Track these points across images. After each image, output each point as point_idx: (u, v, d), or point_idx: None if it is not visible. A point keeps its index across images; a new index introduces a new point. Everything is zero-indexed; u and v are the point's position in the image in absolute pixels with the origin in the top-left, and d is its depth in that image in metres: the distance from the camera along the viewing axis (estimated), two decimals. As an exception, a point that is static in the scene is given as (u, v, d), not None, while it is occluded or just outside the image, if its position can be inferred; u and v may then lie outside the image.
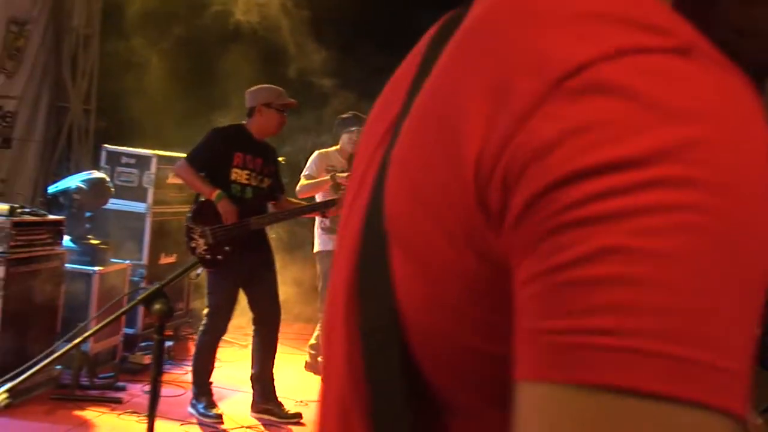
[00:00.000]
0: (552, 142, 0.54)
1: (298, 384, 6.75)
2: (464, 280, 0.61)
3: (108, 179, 6.71)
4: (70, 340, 5.63)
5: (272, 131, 5.74)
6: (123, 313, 3.16)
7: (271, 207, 5.86)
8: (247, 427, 5.57)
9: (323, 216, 6.36)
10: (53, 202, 6.44)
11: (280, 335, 5.85)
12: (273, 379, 5.81)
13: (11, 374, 2.90)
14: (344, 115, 7.04)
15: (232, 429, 5.50)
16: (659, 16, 0.58)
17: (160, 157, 7.25)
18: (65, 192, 6.39)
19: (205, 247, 5.45)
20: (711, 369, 0.49)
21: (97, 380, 6.00)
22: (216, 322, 5.55)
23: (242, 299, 5.78)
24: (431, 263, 0.63)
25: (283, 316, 5.87)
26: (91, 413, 5.49)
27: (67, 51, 8.73)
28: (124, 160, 7.23)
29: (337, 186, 6.66)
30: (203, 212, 5.52)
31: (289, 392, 6.15)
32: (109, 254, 6.51)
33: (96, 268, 6.22)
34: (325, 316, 0.86)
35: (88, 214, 6.48)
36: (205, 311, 5.68)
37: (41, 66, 8.53)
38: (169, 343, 7.04)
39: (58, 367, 5.68)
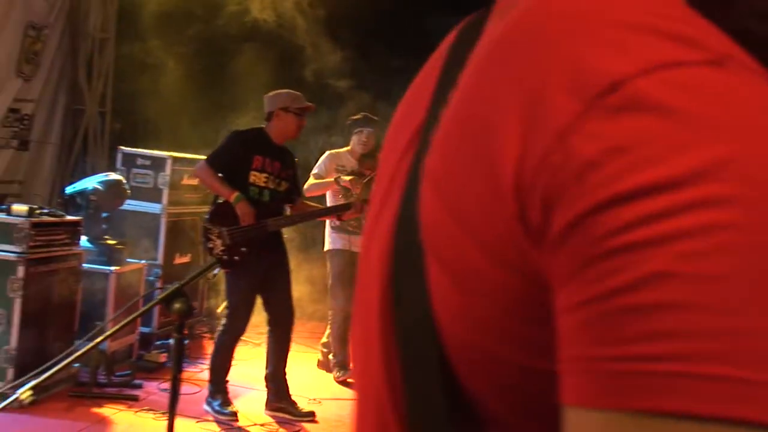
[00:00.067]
0: (592, 162, 0.52)
1: (311, 382, 6.77)
2: (500, 294, 0.59)
3: (124, 181, 6.74)
4: (88, 339, 5.69)
5: (291, 135, 5.76)
6: (145, 311, 3.18)
7: (287, 210, 5.87)
8: (261, 425, 5.58)
9: (339, 219, 6.37)
10: (70, 203, 6.47)
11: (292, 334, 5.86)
12: (286, 379, 5.83)
13: (34, 372, 2.91)
14: (355, 117, 7.06)
15: (247, 426, 5.51)
16: (692, 27, 0.57)
17: (174, 158, 7.27)
18: (82, 193, 6.42)
19: (222, 248, 5.47)
20: None
21: (115, 378, 6.02)
22: (234, 323, 5.58)
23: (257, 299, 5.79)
24: (468, 277, 0.61)
25: (295, 315, 5.88)
26: (108, 410, 5.52)
27: (83, 55, 8.77)
28: (140, 161, 7.25)
29: (345, 188, 6.69)
30: (221, 213, 5.54)
31: (302, 390, 6.17)
32: (125, 254, 6.54)
33: (112, 268, 6.25)
34: (356, 325, 0.84)
35: (104, 214, 6.51)
36: (220, 310, 5.69)
37: (58, 70, 8.57)
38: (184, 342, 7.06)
39: (77, 365, 5.70)
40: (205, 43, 8.77)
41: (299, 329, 5.91)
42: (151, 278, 6.96)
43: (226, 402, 5.60)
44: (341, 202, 6.70)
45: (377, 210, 0.80)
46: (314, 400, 6.22)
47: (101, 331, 3.32)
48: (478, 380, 0.63)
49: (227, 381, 5.67)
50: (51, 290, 5.63)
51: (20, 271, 5.32)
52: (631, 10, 0.58)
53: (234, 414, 5.55)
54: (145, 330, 6.80)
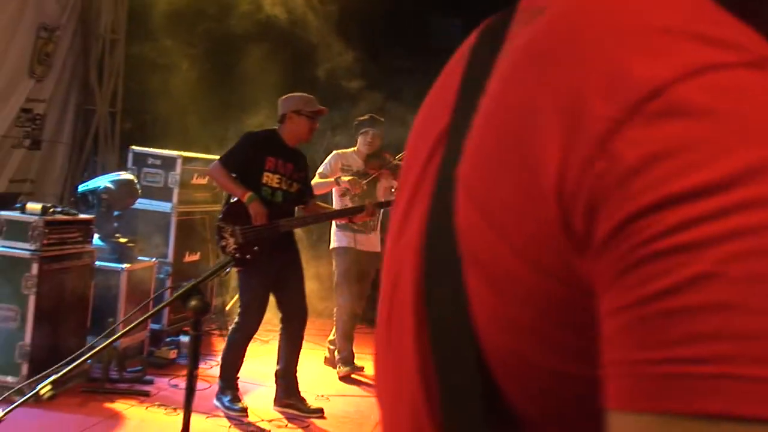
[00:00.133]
0: (635, 168, 0.52)
1: (318, 378, 6.79)
2: (537, 299, 0.59)
3: (136, 180, 6.75)
4: (106, 335, 5.71)
5: (303, 138, 5.78)
6: (162, 308, 3.19)
7: (299, 211, 5.89)
8: (270, 421, 5.59)
9: (351, 222, 6.40)
10: (82, 201, 6.49)
11: (299, 331, 5.88)
12: (296, 376, 5.85)
13: (54, 368, 2.93)
14: (362, 118, 7.07)
15: (256, 422, 5.52)
16: (727, 29, 0.57)
17: (185, 158, 7.29)
18: (94, 191, 6.43)
19: (234, 246, 5.50)
20: None
21: (126, 374, 6.03)
22: (247, 321, 5.60)
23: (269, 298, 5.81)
24: (505, 283, 0.61)
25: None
26: (120, 405, 5.54)
27: (94, 55, 8.81)
28: (151, 161, 7.27)
29: (347, 191, 6.72)
30: (234, 212, 5.56)
31: (310, 387, 6.18)
32: (136, 252, 6.56)
33: (124, 265, 6.26)
34: (382, 328, 0.83)
35: (116, 213, 6.53)
36: (228, 308, 5.71)
37: (69, 70, 8.60)
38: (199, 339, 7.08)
39: (89, 362, 5.72)
40: (215, 43, 8.78)
41: (306, 326, 5.92)
42: (162, 276, 6.98)
43: (236, 398, 5.62)
44: (346, 200, 6.73)
45: (404, 212, 0.80)
46: (322, 396, 6.24)
47: (123, 325, 3.32)
48: (514, 383, 0.63)
49: (238, 377, 5.69)
50: (64, 287, 5.65)
51: (34, 268, 5.34)
52: (665, 15, 0.58)
53: (244, 410, 5.57)
54: (156, 327, 6.81)
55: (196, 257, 7.54)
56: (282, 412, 5.76)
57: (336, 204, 6.84)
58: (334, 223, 6.90)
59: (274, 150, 5.64)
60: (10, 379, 5.29)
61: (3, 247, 5.40)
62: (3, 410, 2.82)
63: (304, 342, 5.89)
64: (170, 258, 7.14)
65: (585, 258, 0.55)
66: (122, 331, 3.23)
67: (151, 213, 7.14)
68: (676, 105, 0.52)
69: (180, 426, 5.19)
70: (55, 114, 8.46)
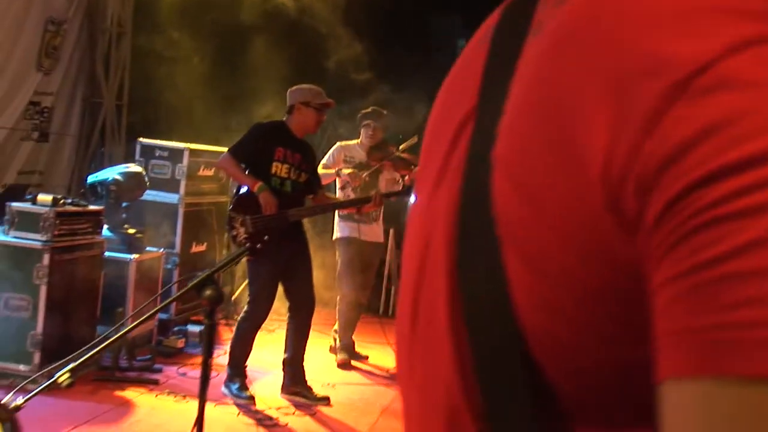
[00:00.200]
0: (686, 143, 0.52)
1: (324, 367, 6.83)
2: (586, 287, 0.58)
3: (144, 172, 6.76)
4: (115, 324, 5.73)
5: (310, 129, 5.80)
6: (178, 296, 3.21)
7: (308, 200, 5.91)
8: (277, 408, 5.61)
9: (359, 212, 6.42)
10: (91, 191, 6.50)
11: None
12: (303, 364, 5.87)
13: (72, 356, 2.95)
14: (365, 110, 7.08)
15: (264, 410, 5.55)
16: (761, 1, 0.56)
17: (192, 150, 7.29)
18: (102, 182, 6.44)
19: (245, 236, 5.52)
20: None
21: (136, 362, 6.06)
22: (256, 310, 5.62)
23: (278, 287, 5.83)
24: (551, 271, 0.60)
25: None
26: (131, 393, 5.56)
27: (100, 49, 8.81)
28: (158, 153, 7.27)
29: (348, 183, 6.75)
30: (244, 202, 5.59)
31: (316, 375, 6.21)
32: (145, 242, 6.58)
33: (133, 256, 6.28)
34: (408, 316, 0.80)
35: (124, 204, 6.54)
36: (234, 297, 5.72)
37: (76, 63, 8.61)
38: (200, 328, 7.10)
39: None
40: (222, 35, 8.78)
41: (320, 317, 5.96)
42: (169, 266, 7.00)
43: (244, 386, 5.64)
44: (348, 191, 6.76)
45: (429, 192, 0.78)
46: (328, 384, 6.27)
47: (138, 314, 3.33)
48: (552, 364, 0.62)
49: (246, 366, 5.71)
50: (75, 277, 5.67)
51: (45, 258, 5.36)
52: None
53: (252, 398, 5.58)
54: (164, 316, 6.83)
55: (203, 248, 7.56)
56: (289, 400, 5.78)
57: (338, 195, 6.86)
58: (337, 213, 6.92)
59: (283, 140, 5.66)
60: (22, 367, 5.31)
61: (15, 238, 5.42)
62: (18, 397, 2.83)
63: (310, 331, 5.92)
64: (178, 248, 7.16)
65: (633, 239, 0.55)
66: (143, 318, 3.24)
67: (158, 204, 7.14)
68: (723, 80, 0.52)
69: (189, 413, 5.24)
70: (63, 107, 8.47)
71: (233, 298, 7.92)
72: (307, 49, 8.54)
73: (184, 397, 5.58)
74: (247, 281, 6.11)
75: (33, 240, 5.38)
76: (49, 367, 5.19)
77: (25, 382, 3.51)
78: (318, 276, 6.15)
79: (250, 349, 5.74)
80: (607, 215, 0.56)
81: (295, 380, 5.83)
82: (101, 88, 8.79)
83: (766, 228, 0.49)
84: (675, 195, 0.52)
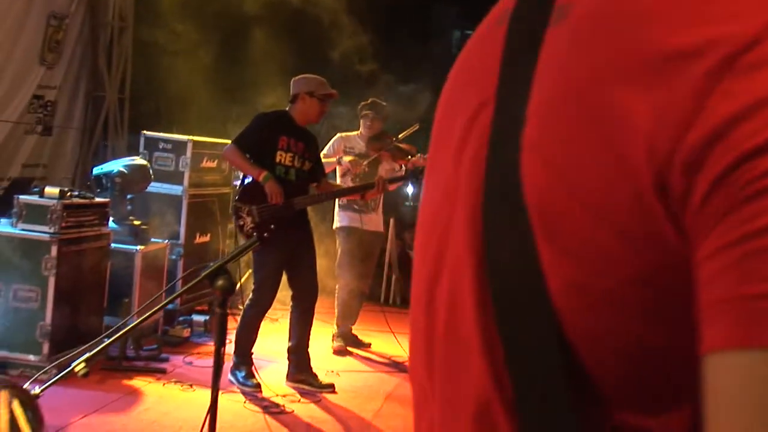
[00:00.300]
0: (735, 117, 0.52)
1: (328, 355, 6.84)
2: (626, 269, 0.57)
3: (148, 165, 6.75)
4: (118, 314, 5.74)
5: (313, 119, 5.79)
6: (189, 286, 3.21)
7: (313, 189, 5.91)
8: (283, 396, 5.62)
9: (362, 198, 6.42)
10: (96, 183, 6.50)
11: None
12: (308, 352, 5.88)
13: (87, 345, 2.96)
14: (365, 102, 7.08)
15: (270, 397, 5.55)
16: None
17: (195, 142, 7.28)
18: (108, 175, 6.44)
19: (252, 225, 5.53)
20: None
21: (143, 352, 6.06)
22: (261, 297, 5.62)
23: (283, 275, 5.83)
24: (587, 253, 0.59)
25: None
26: (138, 382, 5.56)
27: (102, 43, 8.78)
28: (162, 145, 7.25)
29: (349, 171, 6.75)
30: (250, 192, 5.59)
31: (320, 362, 6.22)
32: (150, 234, 6.58)
33: (138, 247, 6.27)
34: (423, 307, 0.78)
35: (129, 196, 6.53)
36: (237, 287, 5.72)
37: (79, 58, 8.58)
38: (205, 318, 7.11)
39: (106, 339, 5.73)
40: (223, 27, 8.76)
41: (320, 306, 5.97)
42: (174, 256, 6.99)
43: (251, 374, 5.64)
44: (347, 180, 6.77)
45: (445, 177, 0.76)
46: (332, 371, 6.28)
47: (150, 306, 3.34)
48: (592, 353, 0.60)
49: (252, 353, 5.72)
50: (82, 268, 5.66)
51: (53, 250, 5.35)
52: None
53: (258, 385, 5.59)
54: (169, 307, 6.82)
55: (206, 238, 7.55)
56: (294, 387, 5.79)
57: (339, 183, 6.87)
58: (337, 202, 6.93)
59: (286, 129, 5.65)
60: (31, 357, 5.31)
61: (23, 230, 5.41)
62: (35, 387, 2.84)
63: (314, 320, 5.93)
64: (182, 239, 7.15)
65: (680, 218, 0.55)
66: (159, 306, 3.26)
67: (162, 196, 7.13)
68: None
69: (196, 401, 5.26)
70: (66, 100, 8.45)
71: (238, 286, 7.90)
72: (310, 40, 8.53)
73: (191, 385, 5.58)
74: (251, 270, 6.12)
75: (41, 232, 5.37)
76: (59, 358, 5.21)
77: (39, 372, 3.51)
78: (321, 264, 6.16)
79: (256, 337, 5.75)
80: (652, 196, 0.56)
81: (300, 368, 5.84)
82: (104, 81, 8.77)
83: None
84: (725, 168, 0.52)
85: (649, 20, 0.58)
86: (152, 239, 6.59)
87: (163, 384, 5.58)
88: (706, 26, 0.55)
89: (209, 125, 8.23)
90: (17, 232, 5.41)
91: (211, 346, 6.61)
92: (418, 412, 0.82)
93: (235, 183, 7.68)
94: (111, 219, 6.13)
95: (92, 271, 5.78)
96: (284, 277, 5.79)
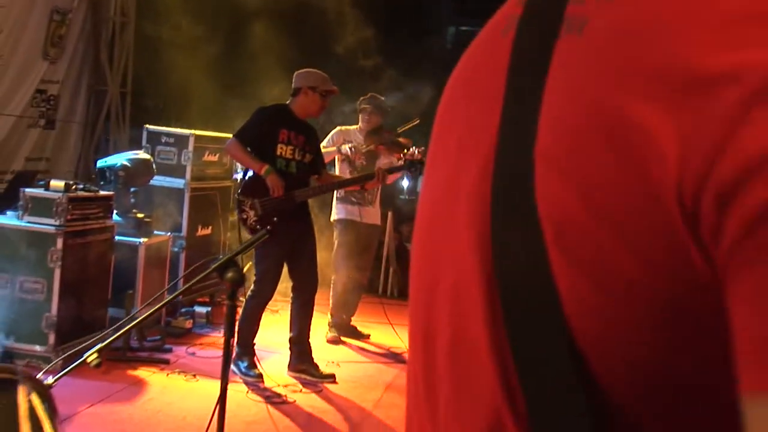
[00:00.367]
0: None
1: (328, 345, 6.87)
2: (650, 296, 0.55)
3: (151, 159, 6.76)
4: (122, 306, 5.75)
5: (313, 114, 5.80)
6: (201, 278, 3.23)
7: (313, 181, 5.92)
8: (285, 386, 5.64)
9: (363, 189, 6.45)
10: (100, 175, 6.50)
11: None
12: (309, 342, 5.90)
13: (99, 336, 2.98)
14: (363, 96, 7.10)
15: (272, 387, 5.57)
16: None
17: (197, 136, 7.29)
18: (111, 168, 6.44)
19: (255, 218, 5.55)
20: None
21: (146, 343, 6.07)
22: (263, 288, 5.63)
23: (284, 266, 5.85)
24: (611, 279, 0.56)
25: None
26: (143, 373, 5.58)
27: (104, 38, 8.79)
28: (164, 139, 7.26)
29: (347, 156, 6.77)
30: (252, 186, 5.61)
31: (320, 353, 6.25)
32: (152, 226, 6.59)
33: (142, 240, 6.28)
34: (419, 308, 0.76)
35: (132, 189, 6.54)
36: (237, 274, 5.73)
37: (81, 52, 8.59)
38: (206, 309, 7.13)
39: (115, 331, 5.75)
40: (224, 21, 8.76)
41: (317, 296, 5.99)
42: (176, 249, 7.00)
43: (252, 364, 5.66)
44: (346, 167, 6.79)
45: (446, 181, 0.74)
46: (332, 362, 6.30)
47: (160, 298, 3.35)
48: (614, 378, 0.57)
49: (254, 344, 5.73)
50: (87, 261, 5.67)
51: (59, 242, 5.35)
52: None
53: (260, 376, 5.61)
54: (167, 298, 6.84)
55: (208, 231, 7.57)
56: (296, 378, 5.82)
57: (338, 171, 6.90)
58: (335, 194, 6.95)
59: (286, 123, 5.66)
60: (38, 348, 5.32)
61: (29, 222, 5.42)
62: (48, 377, 2.86)
63: (315, 312, 5.95)
64: (184, 232, 7.16)
65: (710, 248, 0.52)
66: (169, 298, 3.28)
67: (165, 189, 7.14)
68: None
69: (200, 391, 5.29)
70: (68, 95, 8.46)
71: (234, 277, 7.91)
72: (311, 34, 8.53)
73: (194, 375, 5.60)
74: (252, 262, 6.13)
75: (47, 225, 5.38)
76: (65, 348, 5.24)
77: (52, 363, 3.53)
78: (321, 256, 6.17)
79: (257, 328, 5.77)
80: (680, 223, 0.53)
81: (301, 358, 5.87)
82: (106, 76, 8.78)
83: None
84: (761, 206, 0.49)
85: (678, 39, 0.55)
86: (155, 232, 6.60)
87: (167, 374, 5.60)
88: (741, 50, 0.52)
89: (211, 119, 8.23)
90: (23, 224, 5.42)
91: (213, 337, 6.65)
92: (410, 414, 0.80)
93: (235, 176, 7.70)
94: (115, 212, 6.15)
95: (97, 263, 5.79)
96: (285, 269, 5.80)
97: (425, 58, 9.48)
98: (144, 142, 7.27)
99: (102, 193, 5.93)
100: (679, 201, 0.52)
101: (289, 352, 5.93)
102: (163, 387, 5.36)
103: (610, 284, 0.56)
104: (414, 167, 6.32)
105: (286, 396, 5.45)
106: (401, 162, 6.55)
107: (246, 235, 5.60)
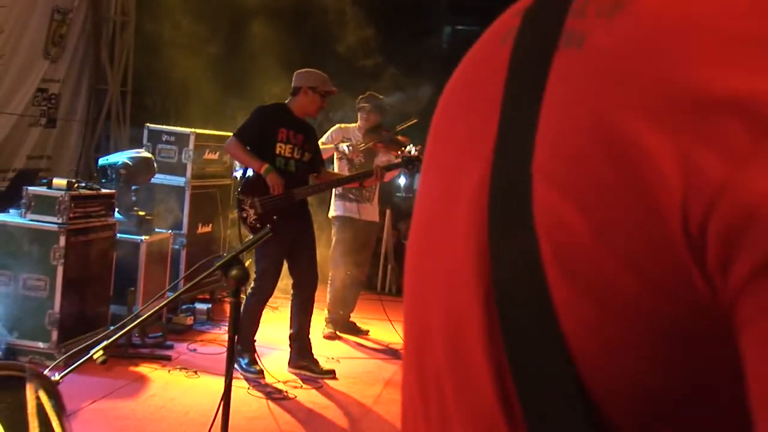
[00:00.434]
0: None
1: (327, 342, 6.86)
2: (649, 314, 0.53)
3: (152, 157, 6.74)
4: (124, 303, 5.73)
5: (311, 113, 5.80)
6: (206, 275, 3.22)
7: (312, 179, 5.91)
8: (285, 382, 5.63)
9: (362, 186, 6.44)
10: (102, 173, 6.49)
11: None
12: (309, 339, 5.89)
13: (104, 333, 2.96)
14: (362, 95, 7.09)
15: (273, 383, 5.56)
16: None
17: (197, 134, 7.27)
18: (113, 166, 6.42)
19: (255, 217, 5.53)
20: None
21: (148, 339, 6.05)
22: (263, 286, 5.62)
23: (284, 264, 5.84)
24: (609, 296, 0.54)
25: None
26: (145, 369, 5.56)
27: (105, 37, 8.76)
28: (165, 137, 7.24)
29: (344, 154, 6.76)
30: (251, 185, 5.59)
31: (320, 349, 6.24)
32: (154, 224, 6.57)
33: (143, 237, 6.27)
34: (414, 319, 0.74)
35: (134, 187, 6.52)
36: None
37: (82, 52, 8.57)
38: (207, 306, 7.11)
39: (111, 327, 5.74)
40: (224, 20, 8.74)
41: (316, 293, 5.98)
42: (177, 246, 6.99)
43: (254, 360, 5.64)
44: (344, 164, 6.78)
45: (440, 193, 0.72)
46: (332, 358, 6.29)
47: (165, 295, 3.34)
48: (612, 401, 0.56)
49: (254, 340, 5.72)
50: (89, 258, 5.66)
51: (62, 240, 5.34)
52: None
53: (261, 372, 5.60)
54: (172, 295, 6.82)
55: (208, 228, 7.55)
56: (296, 374, 5.80)
57: (336, 167, 6.89)
58: (334, 191, 6.94)
59: (285, 122, 5.65)
60: (41, 344, 5.31)
61: (32, 220, 5.40)
62: (55, 374, 2.84)
63: (314, 308, 5.94)
64: (185, 229, 7.15)
65: (717, 285, 0.50)
66: (176, 293, 3.27)
67: (166, 187, 7.12)
68: None
69: (201, 387, 5.28)
70: (69, 93, 8.43)
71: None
72: (310, 32, 8.51)
73: (196, 372, 5.60)
74: (251, 259, 6.12)
75: (49, 222, 5.37)
76: (67, 345, 5.22)
77: (58, 360, 3.50)
78: (320, 254, 6.17)
79: (258, 324, 5.76)
80: (690, 262, 0.51)
81: (301, 354, 5.86)
82: (106, 75, 8.75)
83: None
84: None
85: (680, 58, 0.53)
86: (156, 229, 6.58)
87: (169, 371, 5.59)
88: (748, 76, 0.50)
89: (211, 118, 8.21)
90: (26, 222, 5.40)
91: (213, 334, 6.64)
92: (406, 418, 0.77)
93: (234, 174, 7.69)
94: (116, 210, 6.13)
95: (99, 261, 5.78)
96: (285, 266, 5.79)
97: (422, 58, 9.48)
98: (145, 141, 7.24)
99: (104, 191, 5.91)
100: (683, 226, 0.50)
101: (289, 349, 5.92)
102: (165, 383, 5.35)
103: (608, 301, 0.54)
104: (411, 164, 6.31)
105: (286, 392, 5.45)
106: (399, 160, 6.54)
107: (246, 233, 5.60)
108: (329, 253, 7.04)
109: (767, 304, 0.47)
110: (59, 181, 5.53)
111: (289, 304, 5.98)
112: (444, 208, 0.70)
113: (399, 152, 6.63)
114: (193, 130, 7.26)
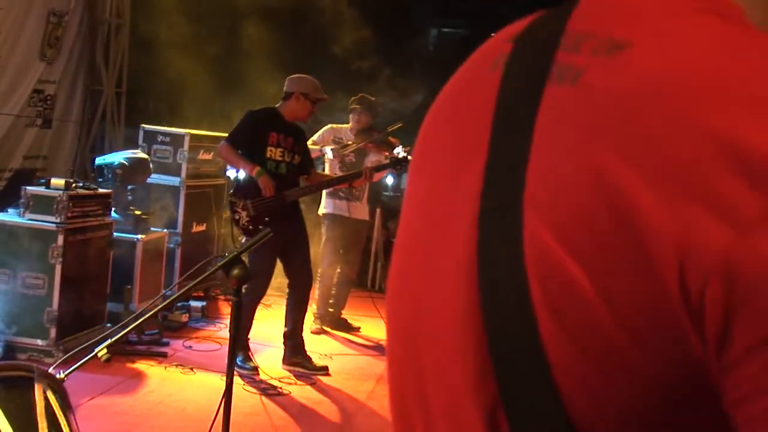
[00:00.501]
0: None
1: (321, 339, 6.86)
2: (644, 379, 0.52)
3: (148, 158, 6.72)
4: (121, 301, 5.71)
5: (301, 118, 5.81)
6: (210, 274, 3.21)
7: (303, 181, 5.91)
8: (279, 379, 5.62)
9: (351, 187, 6.45)
10: (98, 173, 6.46)
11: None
12: (302, 336, 5.89)
13: (107, 332, 2.95)
14: (354, 97, 7.09)
15: (267, 380, 5.56)
16: None
17: (192, 135, 7.26)
18: (109, 166, 6.40)
19: (247, 219, 5.53)
20: None
21: (144, 337, 6.03)
22: (256, 285, 5.61)
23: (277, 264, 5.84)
24: (604, 355, 0.53)
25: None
26: (141, 366, 5.55)
27: (100, 39, 8.72)
28: (160, 138, 7.23)
29: (341, 157, 6.76)
30: (243, 188, 5.61)
31: (314, 347, 6.24)
32: (149, 223, 6.55)
33: (139, 236, 6.25)
34: (402, 338, 0.73)
35: (130, 187, 6.50)
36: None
37: (77, 53, 8.51)
38: (202, 304, 7.10)
39: (108, 324, 5.73)
40: (218, 22, 8.72)
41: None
42: (172, 245, 6.97)
43: (248, 357, 5.65)
44: (336, 168, 6.78)
45: (442, 186, 0.69)
46: (325, 355, 6.29)
47: (165, 296, 3.33)
48: (596, 425, 0.54)
49: (248, 338, 5.72)
50: (87, 257, 5.64)
51: (60, 239, 5.32)
52: None
53: (255, 368, 5.60)
54: (168, 293, 6.81)
55: (203, 227, 7.54)
56: (290, 370, 5.80)
57: (327, 168, 6.89)
58: (324, 190, 6.94)
59: (276, 126, 5.65)
60: (39, 341, 5.30)
61: (30, 220, 5.38)
62: (60, 371, 2.83)
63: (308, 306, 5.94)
64: (180, 229, 7.14)
65: (716, 358, 0.49)
66: (180, 291, 3.27)
67: (161, 187, 7.11)
68: None
69: (197, 383, 5.27)
70: (65, 94, 8.38)
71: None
72: (305, 34, 8.50)
73: (192, 368, 5.58)
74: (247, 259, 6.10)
75: (48, 222, 5.35)
76: (66, 342, 5.20)
77: (63, 357, 3.49)
78: (312, 251, 6.16)
79: (252, 322, 5.75)
80: (688, 329, 0.50)
81: (295, 351, 5.86)
82: (101, 76, 8.70)
83: None
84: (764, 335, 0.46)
85: (679, 118, 0.52)
86: (152, 228, 6.57)
87: (165, 367, 5.57)
88: (747, 137, 0.48)
89: (205, 118, 8.19)
90: (25, 221, 5.39)
91: (208, 331, 6.63)
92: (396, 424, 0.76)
93: (227, 174, 7.68)
94: (113, 209, 6.11)
95: (96, 259, 5.76)
96: (279, 264, 5.79)
97: (409, 60, 9.48)
98: (140, 141, 7.23)
99: (101, 191, 5.90)
100: (682, 292, 0.49)
101: (283, 346, 5.91)
102: (162, 379, 5.34)
103: (605, 362, 0.53)
104: (399, 165, 6.32)
105: (281, 388, 5.44)
106: (387, 161, 6.54)
107: (239, 234, 5.61)
108: (320, 250, 7.04)
109: (763, 382, 0.47)
110: (57, 181, 5.51)
111: (282, 301, 5.99)
112: (434, 217, 0.68)
113: (389, 151, 6.64)
114: (187, 131, 7.25)
